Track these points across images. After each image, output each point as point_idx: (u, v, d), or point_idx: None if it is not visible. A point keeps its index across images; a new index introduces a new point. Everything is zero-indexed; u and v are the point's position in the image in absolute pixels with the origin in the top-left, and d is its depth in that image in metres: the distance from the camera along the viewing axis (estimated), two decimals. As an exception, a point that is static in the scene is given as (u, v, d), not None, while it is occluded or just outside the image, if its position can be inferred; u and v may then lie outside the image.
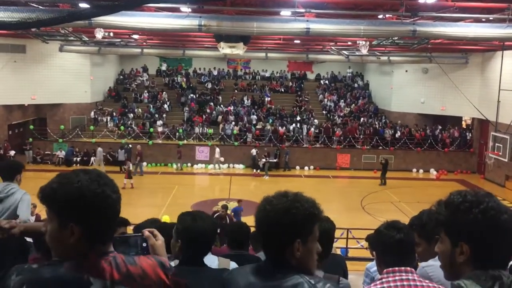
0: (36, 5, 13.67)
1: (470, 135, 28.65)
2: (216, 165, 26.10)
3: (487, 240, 1.52)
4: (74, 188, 1.60)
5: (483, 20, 15.75)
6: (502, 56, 23.80)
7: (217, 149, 25.99)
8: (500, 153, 23.68)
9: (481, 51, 25.86)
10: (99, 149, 25.78)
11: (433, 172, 27.22)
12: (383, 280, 2.27)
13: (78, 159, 26.35)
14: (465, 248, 1.55)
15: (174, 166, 26.59)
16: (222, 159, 26.09)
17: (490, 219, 1.51)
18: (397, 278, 2.25)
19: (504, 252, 1.55)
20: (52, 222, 1.63)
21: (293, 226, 1.79)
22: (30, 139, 26.81)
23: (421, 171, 27.57)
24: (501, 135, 23.73)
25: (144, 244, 1.88)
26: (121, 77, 34.94)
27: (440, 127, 29.21)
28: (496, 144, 24.12)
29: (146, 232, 1.92)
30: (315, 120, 30.30)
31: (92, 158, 26.39)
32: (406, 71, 29.96)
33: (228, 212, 12.88)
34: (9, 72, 25.24)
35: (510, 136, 22.99)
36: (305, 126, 29.13)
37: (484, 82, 26.37)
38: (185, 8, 15.06)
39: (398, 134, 28.58)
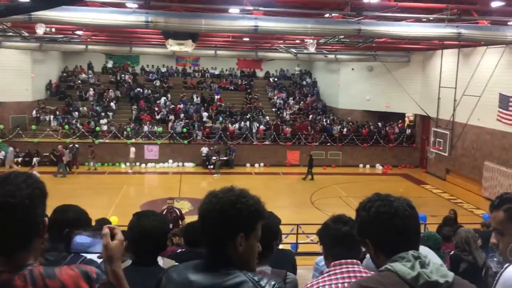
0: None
1: (409, 131, 29.74)
2: (131, 164, 26.07)
3: (380, 233, 1.77)
4: None
5: (424, 20, 16.39)
6: (441, 55, 24.92)
7: (132, 149, 25.74)
8: (441, 148, 24.79)
9: (422, 50, 26.93)
10: (10, 148, 24.61)
11: (379, 167, 28.09)
12: (331, 272, 2.32)
13: (19, 159, 25.20)
14: (367, 243, 1.81)
15: (88, 164, 25.71)
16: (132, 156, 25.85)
17: (373, 213, 1.78)
18: (344, 270, 2.31)
19: (407, 239, 1.77)
20: None
21: (238, 220, 1.78)
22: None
23: (367, 166, 28.37)
24: (441, 131, 24.84)
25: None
26: (65, 74, 33.74)
27: (379, 123, 30.13)
28: (437, 139, 25.22)
29: (105, 229, 1.74)
30: (267, 117, 30.50)
31: (35, 159, 25.33)
32: (353, 69, 30.76)
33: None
34: None
35: (450, 132, 24.10)
36: (255, 124, 29.26)
37: (425, 80, 27.49)
38: (131, 4, 14.72)
39: (345, 130, 29.26)
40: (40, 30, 17.65)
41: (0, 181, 1.53)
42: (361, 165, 28.33)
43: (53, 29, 20.34)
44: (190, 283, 1.80)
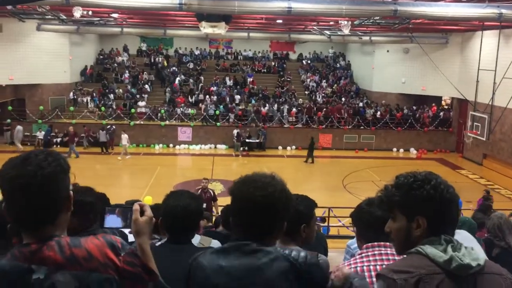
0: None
1: (442, 114, 28.98)
2: (121, 155, 23.72)
3: (439, 212, 1.72)
4: None
5: (463, 0, 15.86)
6: (481, 36, 24.06)
7: (125, 136, 23.93)
8: (478, 132, 24.12)
9: (461, 31, 26.09)
10: (18, 127, 24.84)
11: (413, 151, 27.63)
12: (363, 254, 2.35)
13: (58, 140, 25.99)
14: (422, 221, 1.73)
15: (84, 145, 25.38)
16: (127, 144, 23.96)
17: (440, 193, 1.72)
18: (376, 252, 2.33)
19: (451, 221, 1.76)
20: None
21: (286, 207, 1.88)
22: (9, 120, 26.31)
23: (401, 150, 27.94)
24: (479, 114, 24.12)
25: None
26: (101, 57, 34.36)
27: (414, 107, 29.50)
28: (475, 123, 24.53)
29: (136, 205, 1.86)
30: (300, 100, 30.33)
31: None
32: (388, 51, 30.09)
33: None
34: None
35: (488, 115, 23.40)
36: (286, 106, 29.16)
37: (463, 62, 26.68)
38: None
39: (378, 114, 28.82)
40: (77, 13, 18.00)
41: (21, 162, 1.57)
42: (394, 149, 27.93)
43: (90, 12, 20.67)
44: (221, 268, 1.81)
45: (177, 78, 31.90)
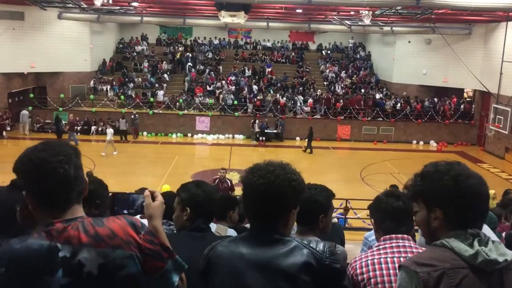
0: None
1: (463, 106, 28.47)
2: (105, 150, 22.11)
3: (458, 203, 1.67)
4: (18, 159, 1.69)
5: (489, -11, 15.50)
6: (506, 27, 23.51)
7: (110, 130, 22.52)
8: (501, 125, 23.68)
9: (485, 22, 25.52)
10: (23, 112, 25.19)
11: (433, 144, 27.26)
12: (380, 246, 2.32)
13: (78, 128, 26.32)
14: (439, 213, 1.70)
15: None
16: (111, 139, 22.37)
17: (460, 183, 1.66)
18: (393, 244, 2.30)
19: (476, 214, 1.70)
20: None
21: (293, 195, 1.88)
22: (30, 108, 26.73)
23: (421, 143, 27.60)
24: (502, 107, 23.67)
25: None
26: (121, 45, 34.58)
27: (436, 99, 29.05)
28: (497, 116, 24.09)
29: (146, 191, 1.97)
30: (319, 91, 30.12)
31: (93, 128, 26.43)
32: (409, 42, 29.62)
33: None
34: (8, 39, 24.97)
35: (511, 108, 22.94)
36: (304, 97, 28.99)
37: (487, 54, 26.12)
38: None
39: (398, 105, 28.47)
40: (98, 1, 18.10)
41: (42, 150, 1.69)
42: (414, 142, 27.60)
43: (110, 1, 20.78)
44: (242, 256, 1.84)
45: (195, 68, 31.94)
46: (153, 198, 1.95)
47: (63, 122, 25.29)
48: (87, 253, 1.62)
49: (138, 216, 2.11)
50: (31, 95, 27.46)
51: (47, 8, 24.13)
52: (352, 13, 23.31)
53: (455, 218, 1.68)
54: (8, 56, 24.89)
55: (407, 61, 29.80)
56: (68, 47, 27.54)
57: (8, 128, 25.35)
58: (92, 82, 29.57)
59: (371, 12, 20.60)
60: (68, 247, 1.62)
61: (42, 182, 1.65)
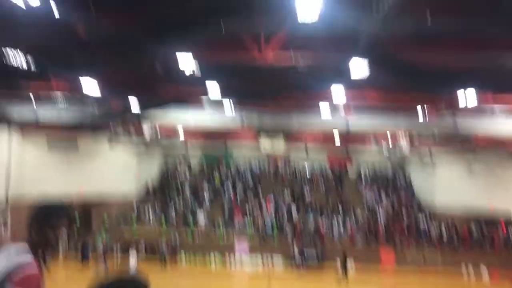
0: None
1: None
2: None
3: None
4: None
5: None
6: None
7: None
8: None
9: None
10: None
11: (484, 272, 25.39)
12: None
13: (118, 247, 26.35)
14: None
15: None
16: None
17: None
18: None
19: None
20: None
21: None
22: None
23: (470, 269, 25.83)
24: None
25: None
26: (164, 173, 35.55)
27: (482, 226, 27.73)
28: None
29: None
30: (358, 214, 29.63)
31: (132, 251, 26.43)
32: (451, 168, 29.12)
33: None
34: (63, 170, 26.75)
35: None
36: (343, 222, 28.55)
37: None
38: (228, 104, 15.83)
39: (443, 231, 27.43)
40: (147, 133, 19.28)
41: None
42: (463, 269, 25.88)
43: (158, 133, 22.08)
44: None
45: (234, 192, 32.52)
46: None
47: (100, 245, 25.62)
48: None
49: None
50: (77, 222, 27.72)
51: (98, 136, 25.75)
52: (389, 139, 23.74)
53: None
54: (63, 184, 26.22)
55: (449, 185, 28.99)
56: (115, 173, 28.86)
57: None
58: (135, 208, 30.29)
59: (409, 142, 20.85)
60: None
61: None
